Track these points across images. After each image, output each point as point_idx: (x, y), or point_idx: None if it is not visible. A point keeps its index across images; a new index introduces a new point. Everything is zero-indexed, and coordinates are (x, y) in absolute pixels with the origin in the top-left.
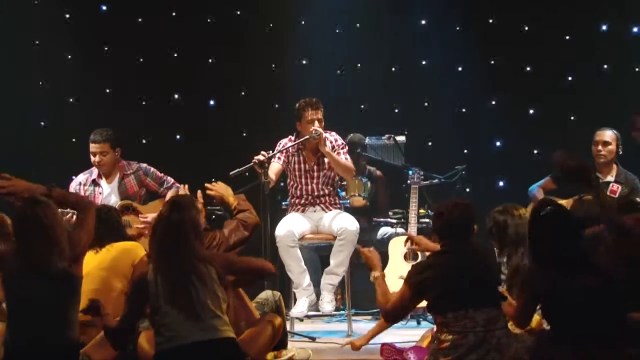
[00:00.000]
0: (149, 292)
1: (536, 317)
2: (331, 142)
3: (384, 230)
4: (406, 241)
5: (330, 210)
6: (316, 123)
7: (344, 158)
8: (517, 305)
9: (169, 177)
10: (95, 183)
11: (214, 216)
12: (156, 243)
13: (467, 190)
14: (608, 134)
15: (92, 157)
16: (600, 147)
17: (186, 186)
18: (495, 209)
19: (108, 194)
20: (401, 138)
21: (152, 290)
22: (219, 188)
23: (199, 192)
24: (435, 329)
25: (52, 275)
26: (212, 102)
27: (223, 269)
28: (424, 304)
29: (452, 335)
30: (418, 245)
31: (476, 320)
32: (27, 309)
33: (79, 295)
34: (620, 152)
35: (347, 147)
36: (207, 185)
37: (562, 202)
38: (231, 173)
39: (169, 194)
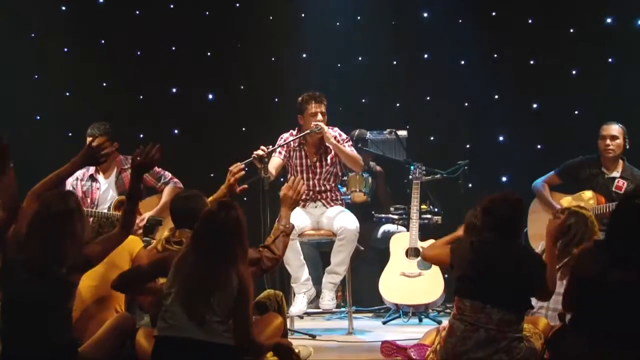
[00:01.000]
0: (165, 274)
1: (543, 320)
2: (335, 137)
3: (385, 227)
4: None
5: (332, 206)
6: (319, 116)
7: (350, 150)
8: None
9: (166, 172)
10: (92, 178)
11: None
12: (197, 237)
13: (470, 185)
14: (615, 128)
15: None
16: (608, 142)
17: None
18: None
19: (105, 189)
20: (403, 132)
21: (171, 276)
22: (299, 189)
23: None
24: (441, 327)
25: (48, 277)
26: (210, 96)
27: (239, 289)
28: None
29: (464, 325)
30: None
31: (491, 317)
32: (21, 304)
33: (73, 298)
34: (627, 147)
35: (350, 141)
36: (293, 181)
37: (568, 197)
38: (230, 168)
39: (167, 189)
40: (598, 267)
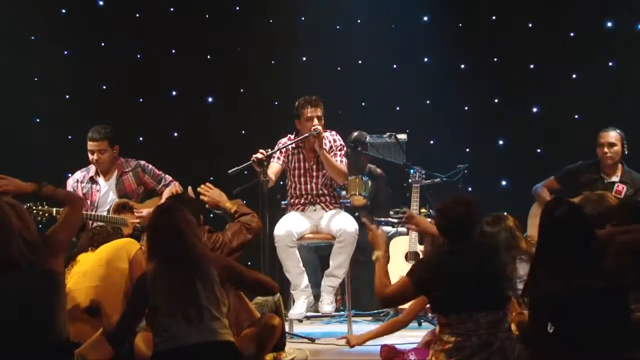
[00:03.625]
0: (148, 294)
1: None
2: (330, 142)
3: (385, 230)
4: (405, 220)
5: (331, 209)
6: (315, 121)
7: (339, 160)
8: (529, 322)
9: (166, 175)
10: (92, 180)
11: (211, 214)
12: (153, 247)
13: (470, 189)
14: (612, 135)
15: (90, 155)
16: (606, 149)
17: (176, 184)
18: (485, 220)
19: (106, 191)
20: (403, 136)
21: (151, 290)
22: (213, 194)
23: (189, 188)
24: (437, 330)
25: (25, 273)
26: (210, 100)
27: (225, 272)
28: (425, 304)
29: (455, 337)
30: (417, 225)
31: (480, 322)
32: (8, 307)
33: (63, 292)
34: (626, 152)
35: (345, 149)
36: (199, 189)
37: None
38: (229, 171)
39: (166, 192)
40: (555, 283)
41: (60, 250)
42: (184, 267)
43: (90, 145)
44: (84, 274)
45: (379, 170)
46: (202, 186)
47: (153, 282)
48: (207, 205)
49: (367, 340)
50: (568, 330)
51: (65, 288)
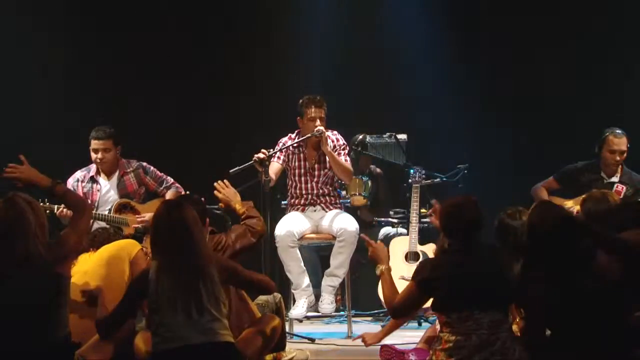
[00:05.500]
0: (148, 291)
1: None
2: (332, 142)
3: (385, 230)
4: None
5: (331, 209)
6: (318, 122)
7: (344, 159)
8: (525, 326)
9: (168, 177)
10: (93, 180)
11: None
12: (158, 243)
13: (469, 189)
14: (624, 141)
15: (93, 154)
16: (618, 158)
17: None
18: (506, 212)
19: (107, 191)
20: (403, 136)
21: (153, 289)
22: (228, 192)
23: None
24: (437, 328)
25: (34, 272)
26: (211, 100)
27: (224, 273)
28: (425, 304)
29: (456, 336)
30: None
31: (481, 322)
32: (10, 306)
33: (66, 295)
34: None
35: (348, 149)
36: (215, 185)
37: (568, 202)
38: (231, 171)
39: (168, 194)
40: (548, 285)
41: (69, 255)
42: (189, 267)
43: (95, 144)
44: (85, 274)
45: (378, 170)
46: (219, 182)
47: (156, 279)
48: (219, 205)
49: (383, 338)
50: (565, 333)
51: (69, 292)
